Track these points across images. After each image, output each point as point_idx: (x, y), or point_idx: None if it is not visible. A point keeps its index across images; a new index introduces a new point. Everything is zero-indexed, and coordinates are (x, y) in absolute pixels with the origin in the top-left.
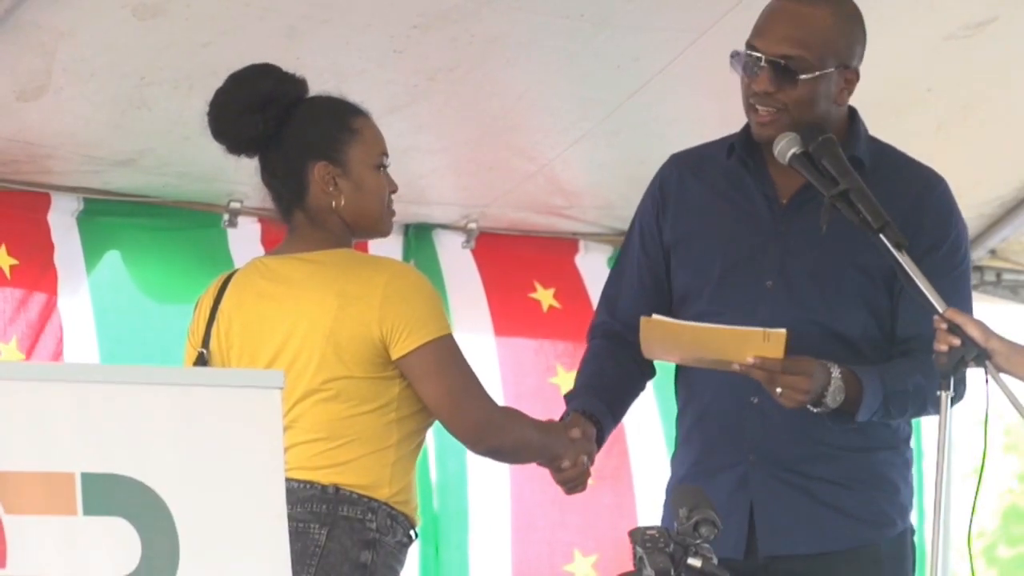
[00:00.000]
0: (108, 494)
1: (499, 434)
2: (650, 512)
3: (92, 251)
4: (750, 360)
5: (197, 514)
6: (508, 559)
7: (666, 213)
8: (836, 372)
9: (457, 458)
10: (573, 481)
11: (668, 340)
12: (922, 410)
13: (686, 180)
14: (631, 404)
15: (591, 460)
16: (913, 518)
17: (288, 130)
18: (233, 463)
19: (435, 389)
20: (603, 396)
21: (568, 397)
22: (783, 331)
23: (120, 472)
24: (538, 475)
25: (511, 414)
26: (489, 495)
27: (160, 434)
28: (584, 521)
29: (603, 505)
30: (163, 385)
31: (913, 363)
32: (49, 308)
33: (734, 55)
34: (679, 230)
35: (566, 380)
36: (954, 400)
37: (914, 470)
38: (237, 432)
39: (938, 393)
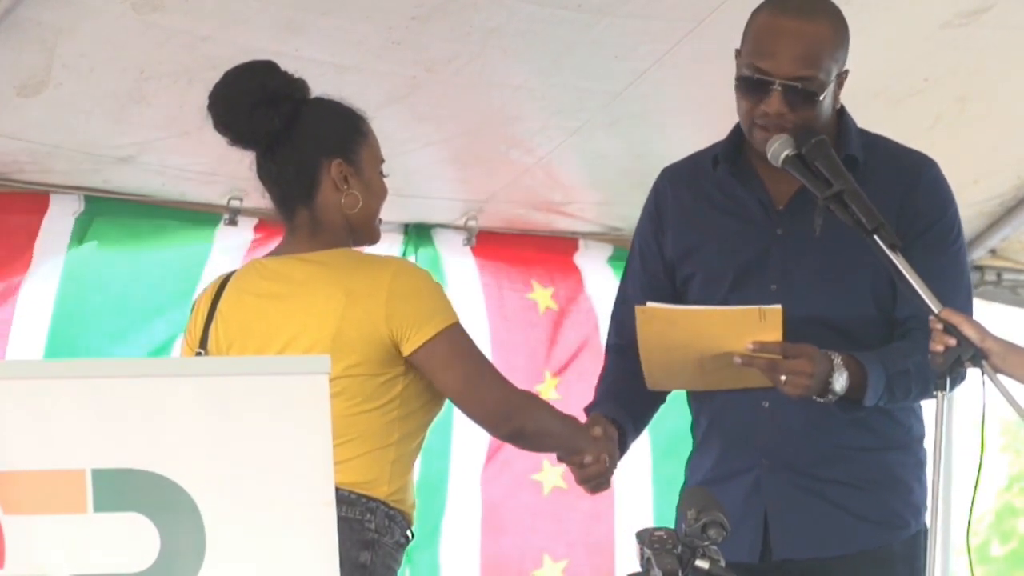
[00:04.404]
0: (123, 490)
1: (522, 415)
2: (629, 519)
3: (92, 250)
4: (749, 347)
5: (230, 507)
6: (476, 561)
7: (665, 230)
8: (838, 359)
9: (440, 460)
10: (595, 479)
11: (666, 330)
12: (925, 390)
13: (680, 194)
14: (652, 415)
15: (614, 463)
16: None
17: (300, 127)
18: (276, 453)
19: (452, 377)
20: (624, 405)
21: (589, 407)
22: (778, 307)
23: (138, 467)
24: (510, 478)
25: (533, 398)
26: (461, 497)
27: (188, 427)
28: (555, 526)
29: (578, 511)
30: (194, 376)
31: (912, 343)
32: (5, 313)
33: (740, 79)
34: (681, 246)
35: (548, 387)
36: (954, 383)
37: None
38: (282, 421)
39: (935, 393)
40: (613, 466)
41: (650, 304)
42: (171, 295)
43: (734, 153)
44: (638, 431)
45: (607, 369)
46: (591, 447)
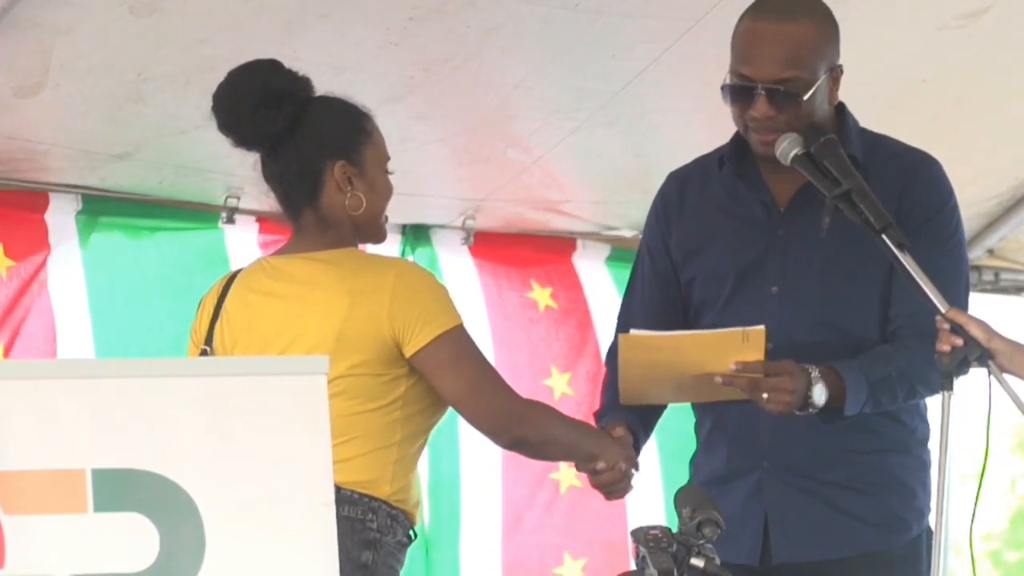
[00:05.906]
0: (123, 490)
1: (524, 424)
2: (640, 518)
3: (90, 250)
4: (731, 367)
5: (230, 507)
6: (498, 561)
7: (671, 231)
8: (815, 371)
9: (450, 459)
10: (612, 485)
11: (650, 356)
12: (912, 393)
13: (686, 196)
14: (658, 419)
15: (630, 465)
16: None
17: (303, 128)
18: (275, 454)
19: (454, 381)
20: (633, 410)
21: (598, 415)
22: (761, 328)
23: (138, 467)
24: (529, 477)
25: (537, 405)
26: (480, 497)
27: (187, 427)
28: (574, 525)
29: (593, 509)
30: (193, 377)
31: (895, 348)
32: (43, 310)
33: (725, 88)
34: (685, 246)
35: (559, 382)
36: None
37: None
38: (280, 421)
39: (940, 393)
40: (631, 470)
41: (633, 332)
42: (188, 291)
43: (739, 154)
44: (647, 436)
45: (610, 376)
46: (605, 453)
